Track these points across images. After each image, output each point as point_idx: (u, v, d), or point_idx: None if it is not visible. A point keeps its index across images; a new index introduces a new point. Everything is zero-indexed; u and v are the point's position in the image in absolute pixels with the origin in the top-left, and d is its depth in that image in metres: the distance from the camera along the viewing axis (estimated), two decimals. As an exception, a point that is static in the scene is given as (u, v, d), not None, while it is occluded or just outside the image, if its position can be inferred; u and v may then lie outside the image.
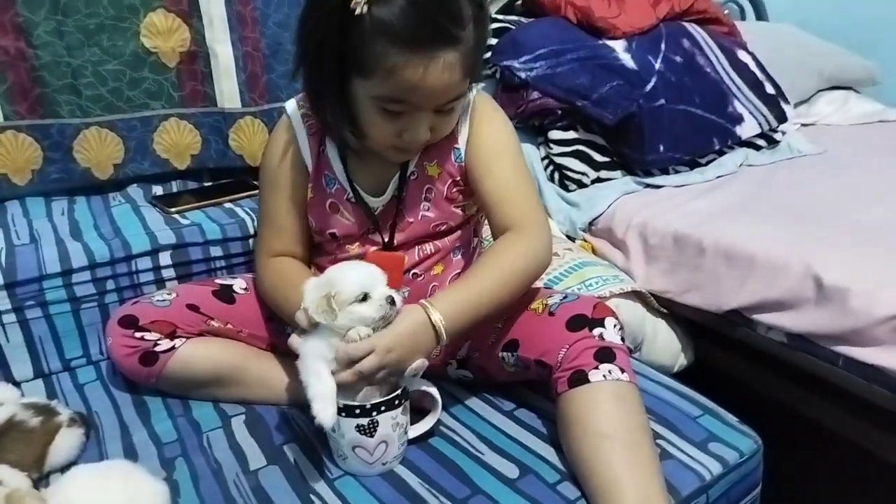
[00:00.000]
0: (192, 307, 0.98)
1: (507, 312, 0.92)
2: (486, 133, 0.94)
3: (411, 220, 0.96)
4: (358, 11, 0.74)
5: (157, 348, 0.95)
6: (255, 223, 1.20)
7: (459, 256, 1.01)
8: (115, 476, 0.77)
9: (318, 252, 1.03)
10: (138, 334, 0.95)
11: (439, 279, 0.98)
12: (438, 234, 0.98)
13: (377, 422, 0.80)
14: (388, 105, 0.82)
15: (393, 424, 0.82)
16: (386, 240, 0.96)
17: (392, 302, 0.80)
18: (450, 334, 0.82)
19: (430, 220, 0.96)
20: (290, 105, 0.98)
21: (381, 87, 0.80)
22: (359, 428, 0.80)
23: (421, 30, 0.75)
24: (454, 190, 0.96)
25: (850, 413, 1.05)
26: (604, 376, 0.82)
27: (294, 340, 0.84)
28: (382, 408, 0.80)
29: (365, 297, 0.79)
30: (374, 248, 0.97)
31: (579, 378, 0.82)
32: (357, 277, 0.80)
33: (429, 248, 0.98)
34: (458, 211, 0.97)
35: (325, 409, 0.77)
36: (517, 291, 0.89)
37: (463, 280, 0.89)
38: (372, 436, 0.81)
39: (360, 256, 0.96)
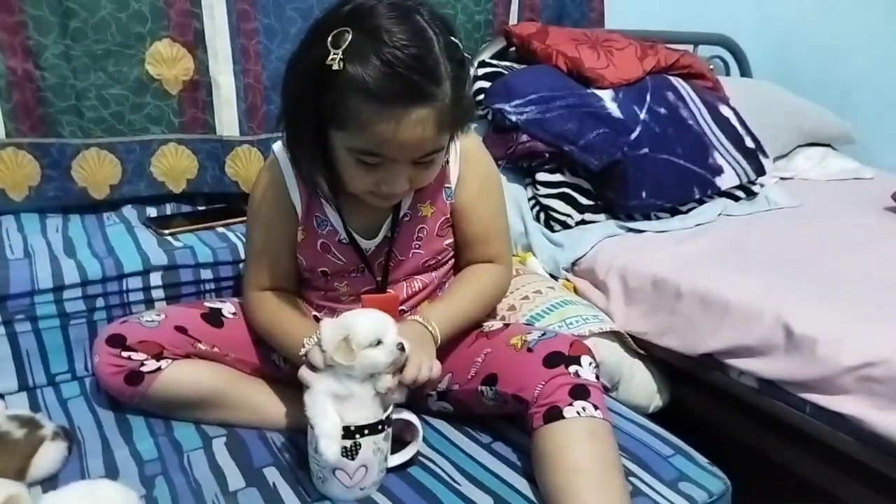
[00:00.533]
0: (181, 329, 1.00)
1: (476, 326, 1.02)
2: (475, 176, 1.00)
3: (402, 258, 0.99)
4: (335, 67, 0.77)
5: (143, 368, 0.96)
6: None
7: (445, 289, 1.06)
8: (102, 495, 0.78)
9: (307, 286, 1.06)
10: (125, 353, 0.96)
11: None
12: (427, 269, 1.02)
13: (360, 444, 0.82)
14: (364, 157, 0.84)
15: (374, 449, 0.84)
16: (378, 279, 1.00)
17: (402, 348, 0.84)
18: (442, 341, 0.93)
19: (420, 258, 1.01)
20: (278, 147, 0.99)
21: (356, 139, 0.82)
22: (342, 450, 0.82)
23: (393, 87, 0.76)
24: (445, 227, 1.01)
25: (816, 459, 1.07)
26: (578, 413, 0.84)
27: (306, 375, 0.86)
28: (366, 431, 0.83)
29: (378, 343, 0.83)
30: (366, 289, 1.00)
31: (554, 414, 0.84)
32: (372, 324, 0.84)
33: (417, 283, 1.02)
34: (446, 245, 1.02)
35: (329, 447, 0.80)
36: (485, 314, 1.04)
37: (444, 297, 1.01)
38: (353, 458, 0.83)
39: (350, 294, 1.00)
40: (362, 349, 0.83)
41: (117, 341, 0.97)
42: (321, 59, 0.78)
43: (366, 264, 0.99)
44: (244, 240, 1.25)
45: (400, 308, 1.01)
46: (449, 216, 1.00)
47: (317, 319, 1.02)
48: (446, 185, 0.99)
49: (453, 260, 1.07)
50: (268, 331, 1.00)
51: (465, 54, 0.85)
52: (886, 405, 0.95)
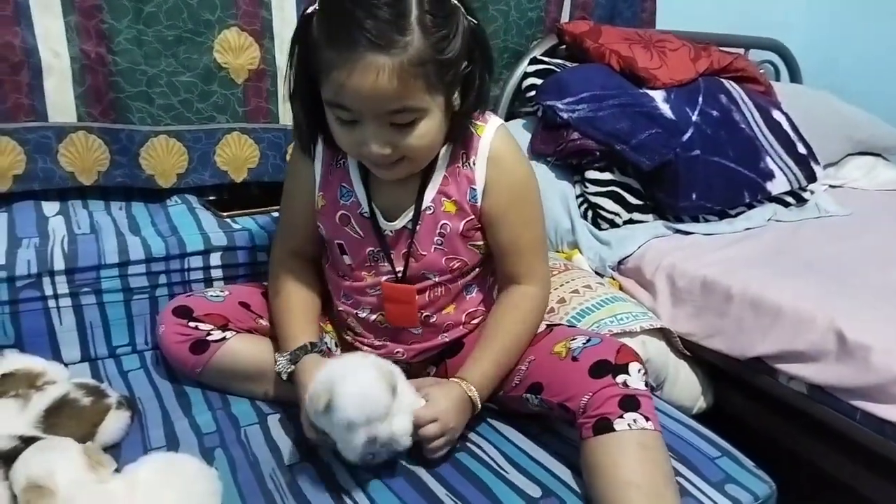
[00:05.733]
0: (244, 304, 1.04)
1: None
2: (506, 179, 0.94)
3: (423, 252, 0.96)
4: (309, 11, 0.79)
5: (210, 338, 1.00)
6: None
7: (474, 294, 1.02)
8: (180, 467, 0.82)
9: (334, 271, 1.04)
10: (192, 324, 1.00)
11: (452, 318, 1.01)
12: (452, 271, 0.98)
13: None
14: (336, 111, 0.83)
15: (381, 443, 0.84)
16: (399, 269, 0.98)
17: (373, 442, 0.81)
18: (482, 403, 0.92)
19: (443, 254, 0.97)
20: None
21: (325, 90, 0.82)
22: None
23: (349, 31, 0.76)
24: (470, 230, 0.96)
25: (863, 467, 1.06)
26: (629, 425, 0.82)
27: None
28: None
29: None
30: (386, 278, 0.98)
31: (604, 426, 0.83)
32: (357, 405, 0.79)
33: (440, 290, 0.99)
34: (474, 250, 0.98)
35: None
36: (528, 343, 0.97)
37: (485, 347, 0.94)
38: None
39: (374, 287, 0.99)
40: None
41: (184, 312, 1.01)
42: (306, 8, 0.80)
43: (384, 249, 0.97)
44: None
45: (425, 314, 1.00)
46: (475, 220, 0.96)
47: (342, 315, 1.03)
48: (472, 187, 0.94)
49: (480, 270, 1.02)
50: (273, 305, 1.03)
51: (471, 20, 0.83)
52: (940, 416, 0.95)
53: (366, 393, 0.80)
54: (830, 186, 1.87)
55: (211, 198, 1.42)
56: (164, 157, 1.35)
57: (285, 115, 1.44)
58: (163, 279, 1.17)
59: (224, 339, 1.01)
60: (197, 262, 1.19)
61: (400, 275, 0.98)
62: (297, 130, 0.95)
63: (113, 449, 0.91)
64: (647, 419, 0.84)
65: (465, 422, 0.91)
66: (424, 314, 1.00)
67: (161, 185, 1.37)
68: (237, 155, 1.43)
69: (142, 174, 1.35)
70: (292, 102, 0.91)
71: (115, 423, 0.93)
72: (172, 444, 0.94)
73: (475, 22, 0.84)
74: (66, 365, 1.10)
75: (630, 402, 0.84)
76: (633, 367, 0.87)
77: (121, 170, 1.33)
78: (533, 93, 1.63)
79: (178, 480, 0.79)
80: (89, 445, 0.80)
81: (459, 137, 0.92)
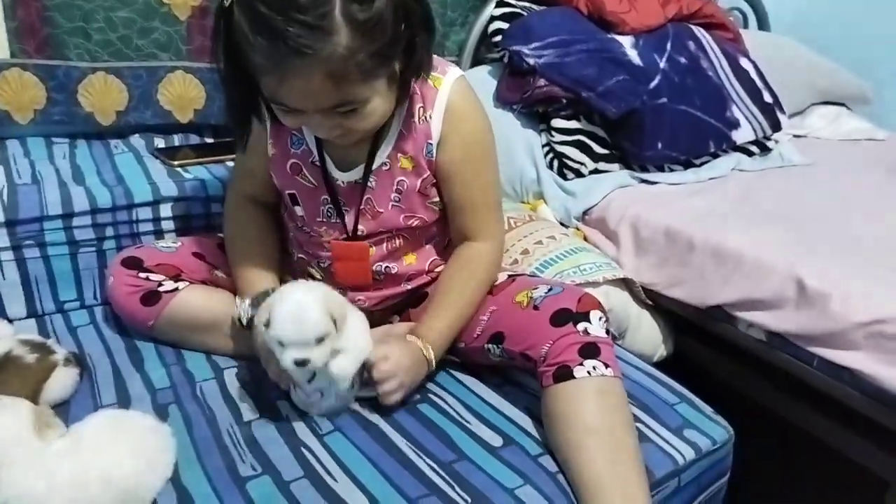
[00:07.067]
0: (198, 255, 1.00)
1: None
2: (461, 133, 0.92)
3: (381, 210, 0.94)
4: (227, 4, 0.74)
5: (161, 288, 0.97)
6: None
7: (432, 245, 1.01)
8: (129, 424, 0.79)
9: (291, 221, 1.02)
10: (142, 275, 0.97)
11: (415, 267, 1.00)
12: (410, 229, 0.97)
13: (314, 374, 0.85)
14: (276, 105, 0.80)
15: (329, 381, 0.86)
16: (351, 226, 0.95)
17: (301, 364, 0.80)
18: (437, 361, 0.92)
19: (400, 211, 0.95)
20: None
21: (262, 86, 0.78)
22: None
23: (268, 42, 0.71)
24: (427, 186, 0.94)
25: (820, 412, 1.09)
26: (588, 372, 0.83)
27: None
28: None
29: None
30: (339, 237, 0.96)
31: (564, 374, 0.83)
32: (287, 323, 0.80)
33: (398, 241, 0.98)
34: (432, 207, 0.97)
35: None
36: (481, 299, 0.96)
37: (438, 306, 0.94)
38: (309, 382, 0.86)
39: (331, 242, 0.97)
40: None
41: (134, 263, 0.97)
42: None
43: (334, 200, 0.94)
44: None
45: (385, 265, 0.98)
46: (431, 176, 0.93)
47: (303, 262, 1.02)
48: (428, 142, 0.91)
49: (439, 222, 1.00)
50: (230, 254, 1.01)
51: None
52: (893, 361, 0.96)
53: (298, 314, 0.80)
54: (794, 136, 1.87)
55: (160, 146, 1.36)
56: (102, 95, 1.31)
57: None
58: (110, 231, 1.12)
59: (176, 289, 0.97)
60: (146, 213, 1.14)
61: (352, 231, 0.95)
62: (230, 111, 0.88)
63: (62, 407, 0.89)
64: (607, 366, 0.84)
65: (420, 379, 0.92)
66: (385, 265, 0.98)
67: (101, 123, 1.33)
68: (182, 94, 1.39)
69: (80, 111, 1.31)
70: (221, 83, 0.84)
71: (61, 381, 0.91)
72: (124, 401, 0.91)
73: None
74: (10, 321, 1.07)
75: (590, 350, 0.84)
76: (594, 314, 0.87)
77: (58, 107, 1.29)
78: (499, 37, 1.58)
79: (128, 437, 0.77)
80: (41, 408, 0.77)
81: (407, 98, 0.88)
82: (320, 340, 0.80)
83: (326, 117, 0.80)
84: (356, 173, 0.93)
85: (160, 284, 0.97)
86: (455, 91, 0.90)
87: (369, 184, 0.93)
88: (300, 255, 1.02)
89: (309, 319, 0.80)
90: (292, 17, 0.70)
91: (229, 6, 0.74)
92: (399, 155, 0.92)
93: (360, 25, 0.73)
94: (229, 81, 0.81)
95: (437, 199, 0.96)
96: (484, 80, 1.57)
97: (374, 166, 0.92)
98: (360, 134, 0.86)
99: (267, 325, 0.82)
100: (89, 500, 0.71)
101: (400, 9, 0.77)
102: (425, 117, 0.90)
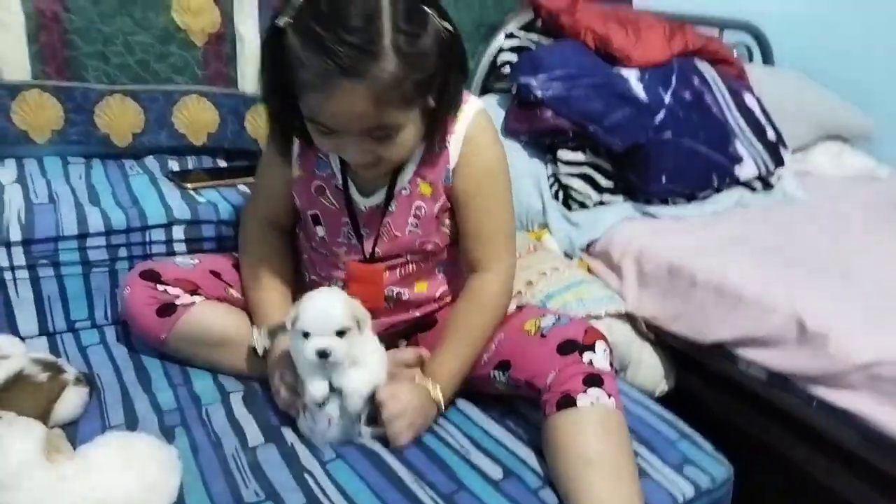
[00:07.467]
0: (215, 273, 1.03)
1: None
2: (477, 162, 0.94)
3: (398, 234, 0.96)
4: (281, 24, 0.78)
5: (178, 301, 0.99)
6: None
7: (443, 273, 1.03)
8: (137, 447, 0.80)
9: (308, 243, 1.04)
10: (160, 287, 0.99)
11: (425, 295, 1.01)
12: (423, 252, 0.98)
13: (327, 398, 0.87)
14: (315, 125, 0.83)
15: (341, 407, 0.88)
16: (368, 249, 0.97)
17: (323, 355, 0.84)
18: (447, 401, 0.93)
19: (416, 237, 0.97)
20: None
21: (302, 105, 0.82)
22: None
23: (319, 59, 0.75)
24: (443, 212, 0.97)
25: (819, 452, 1.10)
26: (591, 402, 0.84)
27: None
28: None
29: (307, 335, 0.85)
30: (357, 258, 0.98)
31: (567, 402, 0.84)
32: (313, 313, 0.84)
33: (411, 267, 0.99)
34: (446, 230, 0.99)
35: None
36: (492, 332, 0.97)
37: (449, 343, 0.95)
38: (319, 407, 0.88)
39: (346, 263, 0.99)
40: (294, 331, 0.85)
41: (152, 276, 0.99)
42: (275, 16, 0.78)
43: (354, 224, 0.97)
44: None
45: (397, 291, 0.99)
46: (447, 202, 0.96)
47: (315, 284, 1.02)
48: (446, 166, 0.94)
49: (456, 250, 1.02)
50: (245, 278, 1.03)
51: (446, 26, 0.81)
52: (893, 404, 0.97)
53: (324, 307, 0.85)
54: (798, 172, 1.89)
55: (174, 169, 1.38)
56: (119, 117, 1.34)
57: (244, 82, 1.42)
58: (123, 252, 1.14)
59: (193, 303, 0.99)
60: (159, 234, 1.16)
61: (369, 254, 0.97)
62: (272, 134, 0.95)
63: (70, 426, 0.90)
64: (610, 396, 0.85)
65: (429, 421, 0.93)
66: (396, 290, 1.00)
67: (117, 145, 1.35)
68: (196, 118, 1.41)
69: (97, 132, 1.33)
70: (265, 104, 0.90)
71: (72, 400, 0.91)
72: (132, 422, 0.92)
73: (448, 28, 0.83)
74: (22, 339, 1.07)
75: (594, 380, 0.86)
76: (599, 346, 0.89)
77: (75, 128, 1.32)
78: (507, 69, 1.61)
79: (135, 460, 0.78)
80: (52, 431, 0.78)
81: (438, 133, 0.91)
82: (342, 334, 0.84)
83: (361, 142, 0.83)
84: (377, 198, 0.96)
85: (177, 298, 0.99)
86: (475, 122, 0.94)
87: (390, 208, 0.95)
88: (313, 277, 1.04)
89: (334, 310, 0.85)
90: (342, 37, 0.74)
91: (283, 25, 0.78)
92: (419, 180, 0.95)
93: (407, 56, 0.77)
94: (273, 99, 0.86)
95: (451, 223, 0.98)
96: (492, 109, 1.56)
97: (395, 190, 0.95)
98: (387, 165, 0.90)
99: (294, 322, 0.85)
100: (97, 524, 0.72)
101: (442, 48, 0.82)
102: (445, 144, 0.93)
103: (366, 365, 0.88)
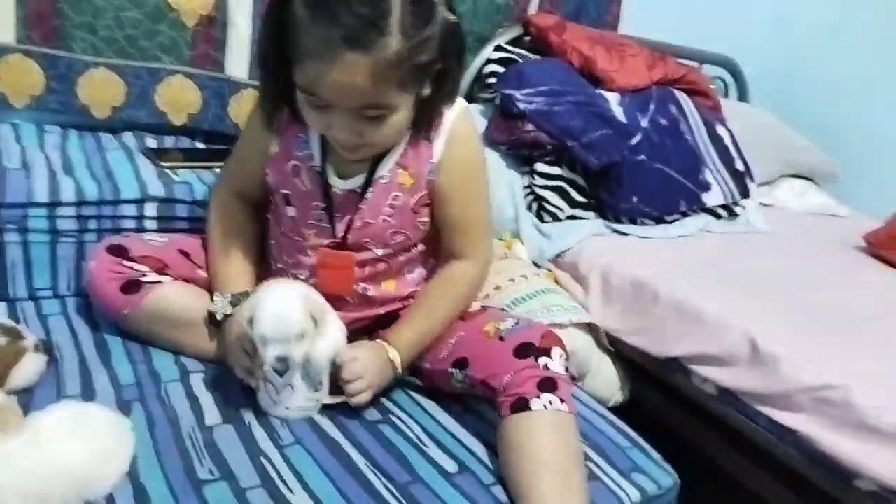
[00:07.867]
0: (184, 253, 1.02)
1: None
2: (460, 157, 0.96)
3: (371, 220, 0.96)
4: None
5: (144, 279, 0.98)
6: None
7: (415, 274, 1.04)
8: (90, 416, 0.79)
9: (277, 226, 1.03)
10: (127, 263, 0.98)
11: (392, 294, 1.02)
12: (393, 245, 0.99)
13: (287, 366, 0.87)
14: (307, 96, 0.84)
15: (303, 374, 0.89)
16: (340, 234, 0.97)
17: (282, 361, 0.85)
18: (404, 368, 0.96)
19: (389, 227, 0.97)
20: None
21: (298, 74, 0.82)
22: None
23: (327, 26, 0.76)
24: (420, 205, 0.98)
25: (763, 469, 1.14)
26: (545, 406, 0.86)
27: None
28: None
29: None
30: (328, 244, 0.98)
31: (521, 405, 0.86)
32: (272, 321, 0.85)
33: (381, 265, 1.00)
34: (420, 226, 1.00)
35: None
36: (457, 317, 1.01)
37: (415, 316, 0.98)
38: (282, 375, 0.87)
39: (315, 248, 0.98)
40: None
41: (119, 251, 0.98)
42: None
43: (328, 207, 0.96)
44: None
45: (364, 286, 1.00)
46: (426, 196, 0.97)
47: (282, 272, 1.02)
48: (430, 161, 0.95)
49: (423, 249, 1.03)
50: (211, 247, 1.03)
51: (449, 15, 0.83)
52: (836, 427, 1.01)
53: (282, 312, 0.85)
54: (762, 204, 1.96)
55: (152, 147, 1.37)
56: (101, 89, 1.33)
57: (231, 66, 1.42)
58: (93, 224, 1.13)
59: (159, 282, 0.99)
60: (131, 210, 1.15)
61: (341, 239, 0.97)
62: (262, 101, 0.94)
63: (25, 394, 0.88)
64: (563, 401, 0.87)
65: (386, 382, 0.95)
66: (363, 286, 1.00)
67: (95, 116, 1.34)
68: (178, 98, 1.41)
69: (76, 103, 1.32)
70: (260, 70, 0.91)
71: (31, 367, 0.90)
72: (88, 394, 0.91)
73: (453, 18, 0.84)
74: (-20, 302, 1.06)
75: (548, 384, 0.88)
76: (556, 351, 0.91)
77: (55, 96, 1.31)
78: (493, 80, 1.64)
79: (86, 429, 0.77)
80: (4, 404, 0.77)
81: (430, 122, 0.93)
82: (301, 337, 0.85)
83: (352, 119, 0.84)
84: (355, 182, 0.96)
85: (143, 275, 0.98)
86: (460, 118, 0.96)
87: (366, 195, 0.96)
88: (279, 265, 1.04)
89: (291, 317, 0.85)
90: (352, 7, 0.76)
91: None
92: (400, 170, 0.95)
93: (411, 38, 0.79)
94: (269, 66, 0.86)
95: (426, 218, 0.99)
96: (475, 118, 1.61)
97: (374, 177, 0.95)
98: (371, 150, 0.91)
99: (250, 322, 0.85)
100: (46, 493, 0.71)
101: (446, 37, 0.83)
102: (429, 138, 0.95)
103: (326, 335, 0.90)
